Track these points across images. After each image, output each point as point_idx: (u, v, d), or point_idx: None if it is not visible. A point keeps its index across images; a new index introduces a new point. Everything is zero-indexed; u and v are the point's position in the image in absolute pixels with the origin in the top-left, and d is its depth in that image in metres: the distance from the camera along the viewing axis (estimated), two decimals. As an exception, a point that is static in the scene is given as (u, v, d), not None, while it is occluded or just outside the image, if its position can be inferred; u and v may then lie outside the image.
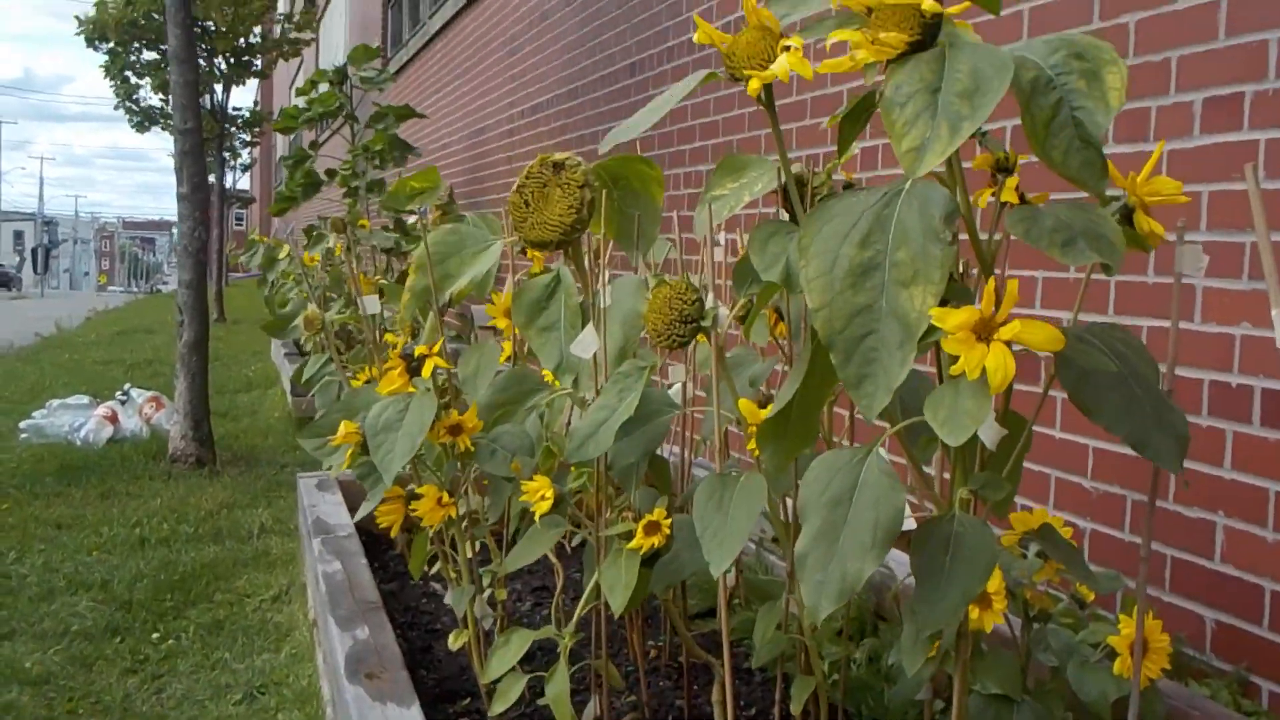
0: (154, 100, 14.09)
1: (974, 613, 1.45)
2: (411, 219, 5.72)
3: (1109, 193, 1.22)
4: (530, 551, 1.66)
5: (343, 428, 1.86)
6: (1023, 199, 1.31)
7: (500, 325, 2.14)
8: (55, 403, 5.75)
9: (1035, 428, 1.91)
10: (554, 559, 2.20)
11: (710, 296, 1.69)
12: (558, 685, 1.59)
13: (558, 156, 1.82)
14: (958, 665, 1.29)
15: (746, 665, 2.25)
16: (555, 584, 2.16)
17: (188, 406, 4.80)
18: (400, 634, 2.34)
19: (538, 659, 2.12)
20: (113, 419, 5.41)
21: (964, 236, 1.18)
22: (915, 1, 1.02)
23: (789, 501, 1.72)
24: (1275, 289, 0.97)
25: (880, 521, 1.10)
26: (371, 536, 3.08)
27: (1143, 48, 2.12)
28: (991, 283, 1.13)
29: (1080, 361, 1.17)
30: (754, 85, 1.17)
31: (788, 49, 1.15)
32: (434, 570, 2.08)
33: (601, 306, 1.72)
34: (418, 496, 1.84)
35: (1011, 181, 1.33)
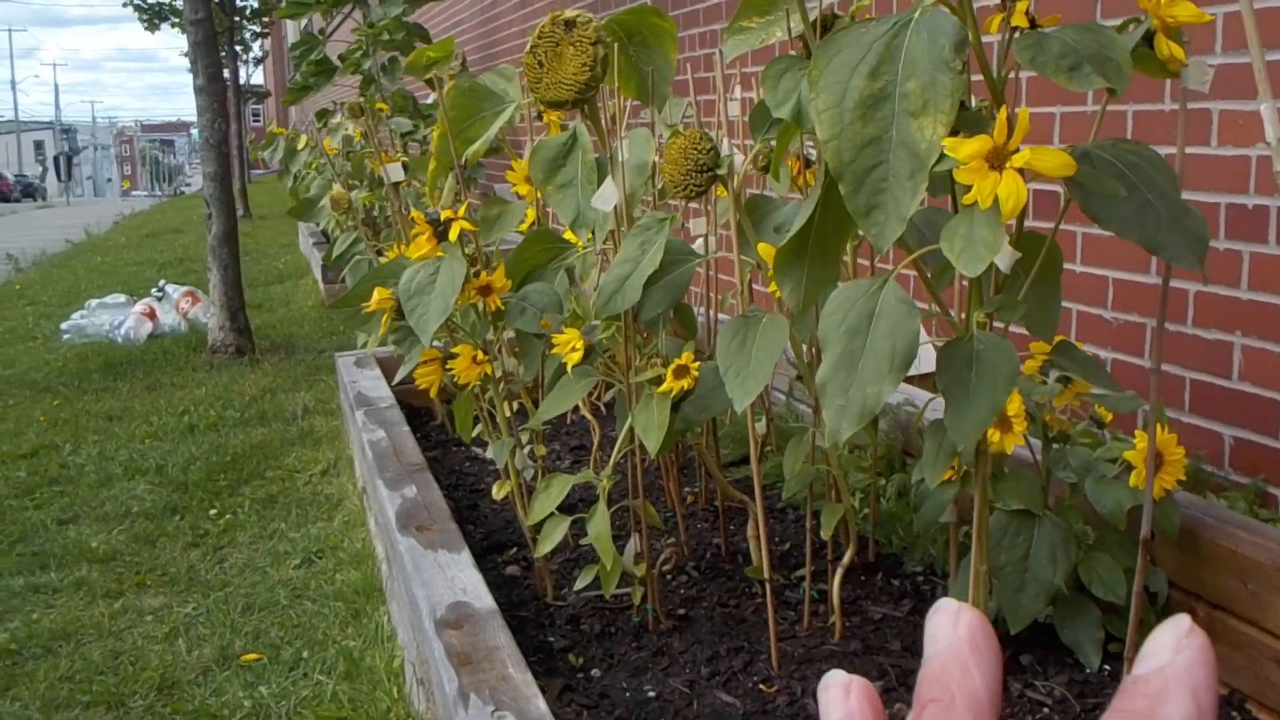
0: (162, -4, 13.96)
1: (994, 435, 1.50)
2: (428, 99, 5.68)
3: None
4: (563, 400, 1.72)
5: (376, 294, 1.91)
6: (1033, 24, 1.31)
7: (523, 191, 2.17)
8: (94, 303, 5.86)
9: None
10: (590, 417, 2.27)
11: (726, 143, 1.72)
12: (598, 525, 1.67)
13: (569, 14, 1.83)
14: (978, 481, 1.34)
15: (781, 507, 2.33)
16: (592, 442, 2.23)
17: (223, 298, 4.88)
18: (446, 494, 2.43)
19: (579, 510, 2.21)
20: (151, 315, 5.51)
21: (978, 77, 1.20)
22: None
23: (807, 348, 1.77)
24: (1267, 96, 0.99)
25: (897, 348, 1.13)
26: (412, 410, 3.17)
27: None
28: (1004, 112, 1.15)
29: (1091, 186, 1.20)
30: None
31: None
32: (475, 433, 2.16)
33: (621, 160, 1.75)
34: (454, 357, 1.90)
35: (1022, 5, 1.32)
